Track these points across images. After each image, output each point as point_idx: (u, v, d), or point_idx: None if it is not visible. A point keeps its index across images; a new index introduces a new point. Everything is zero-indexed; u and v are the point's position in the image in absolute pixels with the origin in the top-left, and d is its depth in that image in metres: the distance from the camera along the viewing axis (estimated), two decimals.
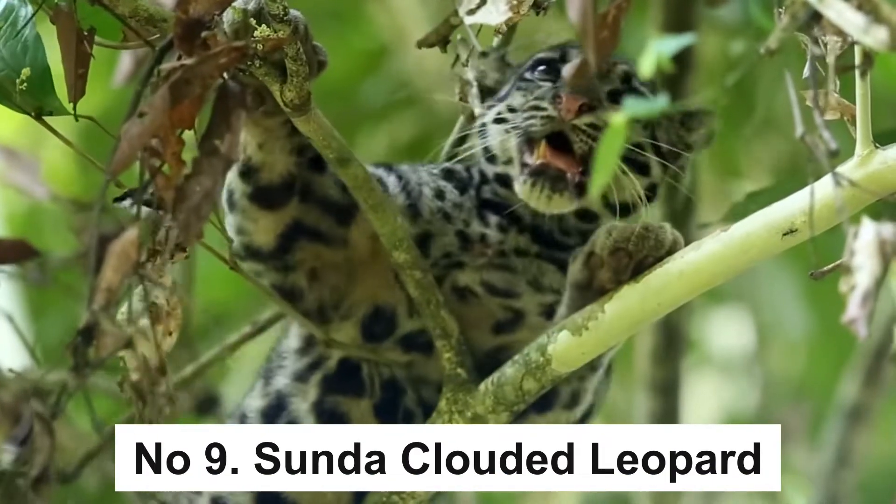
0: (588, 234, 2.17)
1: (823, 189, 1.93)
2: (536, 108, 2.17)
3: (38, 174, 2.68)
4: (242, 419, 2.28)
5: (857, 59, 1.92)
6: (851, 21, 1.81)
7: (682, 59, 3.07)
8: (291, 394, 2.25)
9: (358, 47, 4.01)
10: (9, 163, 2.68)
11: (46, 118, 2.06)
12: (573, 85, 2.15)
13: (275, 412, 2.26)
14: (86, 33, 1.97)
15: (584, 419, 2.23)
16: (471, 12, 2.03)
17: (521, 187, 2.18)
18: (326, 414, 2.23)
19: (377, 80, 4.00)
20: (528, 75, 2.23)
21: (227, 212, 2.19)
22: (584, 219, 2.24)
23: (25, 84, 2.02)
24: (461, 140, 2.35)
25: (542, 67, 2.25)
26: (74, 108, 2.00)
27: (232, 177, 2.16)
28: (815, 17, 1.87)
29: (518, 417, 2.17)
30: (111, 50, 2.10)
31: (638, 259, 2.08)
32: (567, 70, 2.09)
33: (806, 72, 1.94)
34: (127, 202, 1.96)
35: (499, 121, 2.22)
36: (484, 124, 2.24)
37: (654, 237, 2.08)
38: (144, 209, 1.86)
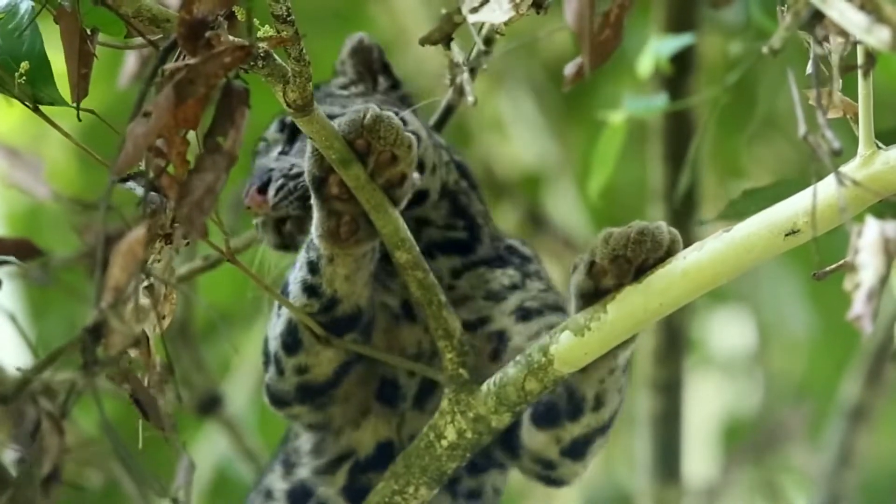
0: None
1: (826, 189, 1.94)
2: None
3: (41, 174, 2.67)
4: (268, 496, 2.30)
5: (860, 59, 1.92)
6: (853, 21, 1.81)
7: (684, 59, 3.07)
8: (317, 484, 2.27)
9: None
10: (10, 162, 2.66)
11: (49, 117, 2.06)
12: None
13: (301, 497, 2.28)
14: (89, 33, 1.97)
15: (611, 419, 2.22)
16: (473, 10, 2.02)
17: None
18: (357, 492, 2.26)
19: None
20: None
21: (286, 355, 2.19)
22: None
23: (24, 77, 2.02)
24: (441, 122, 2.37)
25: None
26: (78, 108, 2.00)
27: (294, 316, 2.18)
28: (818, 16, 1.87)
29: (550, 425, 2.19)
30: (112, 51, 2.10)
31: (638, 263, 2.08)
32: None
33: (808, 70, 1.94)
34: (131, 183, 1.96)
35: None
36: None
37: (650, 240, 2.08)
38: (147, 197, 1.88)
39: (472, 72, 2.22)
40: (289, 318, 2.19)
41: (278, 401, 2.24)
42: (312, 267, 2.16)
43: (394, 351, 2.24)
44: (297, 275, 2.19)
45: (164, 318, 1.90)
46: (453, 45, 2.11)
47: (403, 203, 2.14)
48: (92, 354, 1.76)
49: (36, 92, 2.03)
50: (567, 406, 2.18)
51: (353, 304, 2.18)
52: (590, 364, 2.12)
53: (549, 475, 2.24)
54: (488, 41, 2.23)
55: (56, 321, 3.71)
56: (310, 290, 2.17)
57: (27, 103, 2.04)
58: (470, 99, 2.09)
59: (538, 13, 2.08)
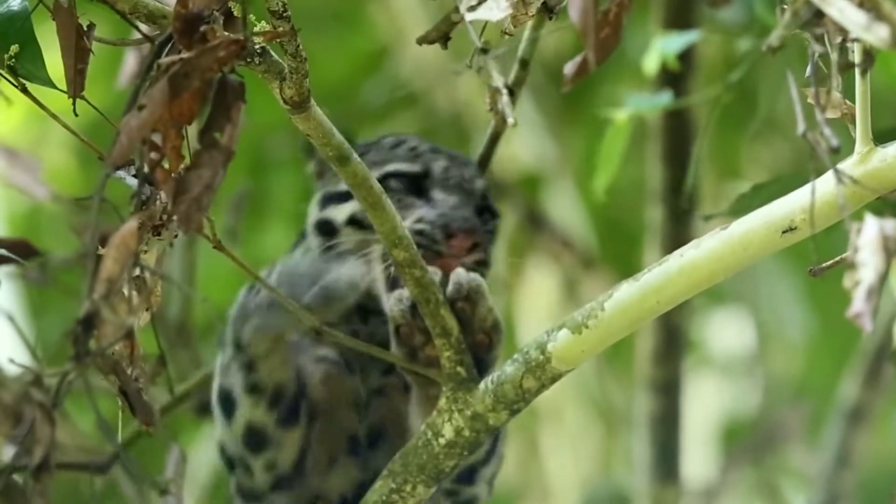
0: None
1: (823, 187, 1.94)
2: (421, 233, 2.21)
3: (39, 175, 2.67)
4: None
5: (858, 58, 1.92)
6: (853, 19, 1.81)
7: (684, 59, 3.07)
8: None
9: (358, 48, 4.01)
10: (10, 163, 2.67)
11: (46, 106, 2.05)
12: (460, 220, 2.22)
13: None
14: (85, 28, 1.97)
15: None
16: (471, 9, 2.02)
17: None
18: None
19: (377, 80, 4.00)
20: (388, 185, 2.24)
21: (253, 455, 2.24)
22: None
23: (14, 59, 2.01)
24: (489, 151, 2.37)
25: (399, 181, 2.29)
26: (74, 103, 2.00)
27: (257, 413, 2.23)
28: (818, 14, 1.87)
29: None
30: (112, 52, 2.10)
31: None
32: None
33: (808, 71, 1.94)
34: (122, 172, 1.97)
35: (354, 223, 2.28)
36: (328, 221, 2.30)
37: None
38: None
39: (511, 93, 2.22)
40: (246, 419, 2.22)
41: (253, 498, 2.28)
42: (250, 366, 2.21)
43: (336, 400, 2.28)
44: (232, 381, 2.23)
45: (148, 309, 1.91)
46: (493, 69, 2.11)
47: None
48: (84, 345, 1.76)
49: (21, 68, 2.01)
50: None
51: (291, 392, 2.23)
52: None
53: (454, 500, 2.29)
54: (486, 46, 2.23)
55: (54, 321, 3.71)
56: (252, 387, 2.21)
57: (13, 82, 2.03)
58: (510, 121, 2.09)
59: (549, 18, 2.08)
